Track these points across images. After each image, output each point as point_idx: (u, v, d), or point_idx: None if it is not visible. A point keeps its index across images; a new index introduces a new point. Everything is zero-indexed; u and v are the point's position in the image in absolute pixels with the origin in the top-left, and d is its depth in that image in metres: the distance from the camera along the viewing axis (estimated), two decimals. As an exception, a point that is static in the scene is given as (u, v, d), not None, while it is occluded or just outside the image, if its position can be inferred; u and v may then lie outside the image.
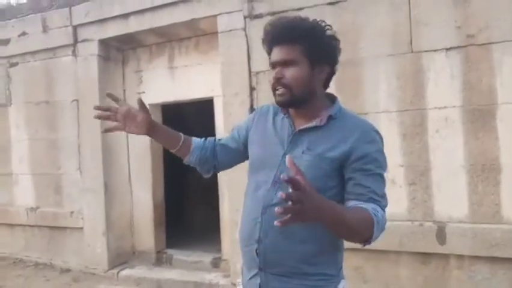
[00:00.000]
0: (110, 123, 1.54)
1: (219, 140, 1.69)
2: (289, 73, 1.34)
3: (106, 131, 1.56)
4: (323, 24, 1.37)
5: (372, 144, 1.33)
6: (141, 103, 1.51)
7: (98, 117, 1.55)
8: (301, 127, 1.39)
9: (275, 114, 1.51)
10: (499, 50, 3.00)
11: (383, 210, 1.28)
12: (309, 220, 1.00)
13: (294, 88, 1.34)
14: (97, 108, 1.54)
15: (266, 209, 1.35)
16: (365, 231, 1.21)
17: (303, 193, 0.94)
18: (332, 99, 1.46)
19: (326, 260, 1.37)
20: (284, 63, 1.34)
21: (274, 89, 1.38)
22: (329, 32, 1.37)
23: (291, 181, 0.92)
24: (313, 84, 1.37)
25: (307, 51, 1.33)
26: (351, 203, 1.27)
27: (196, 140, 1.64)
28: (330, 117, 1.38)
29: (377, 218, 1.22)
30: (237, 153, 1.65)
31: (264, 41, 1.43)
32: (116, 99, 1.54)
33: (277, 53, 1.36)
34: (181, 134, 1.61)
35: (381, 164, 1.33)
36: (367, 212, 1.22)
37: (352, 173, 1.30)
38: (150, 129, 1.53)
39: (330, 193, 1.30)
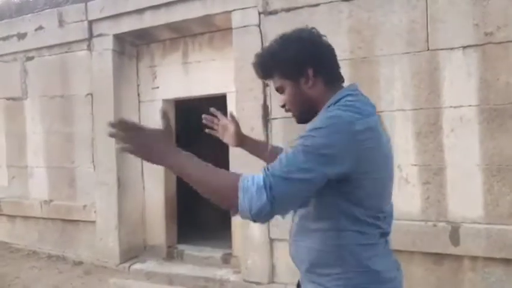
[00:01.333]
0: (212, 131, 1.84)
1: None
2: (285, 99, 1.38)
3: (208, 132, 1.85)
4: (291, 33, 1.34)
5: (309, 126, 1.17)
6: (232, 117, 1.75)
7: (205, 122, 1.82)
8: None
9: None
10: (517, 48, 2.95)
11: (268, 179, 1.05)
12: (141, 156, 1.18)
13: (293, 110, 1.39)
14: (204, 117, 1.81)
15: (293, 217, 1.39)
16: (222, 193, 1.11)
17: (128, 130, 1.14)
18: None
19: (332, 273, 1.24)
20: (278, 91, 1.41)
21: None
22: (297, 37, 1.33)
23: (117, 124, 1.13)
24: (307, 95, 1.33)
25: (283, 75, 1.35)
26: None
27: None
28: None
29: (244, 181, 1.07)
30: None
31: None
32: (215, 116, 1.79)
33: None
34: (269, 145, 1.80)
35: (305, 140, 1.11)
36: (232, 175, 1.13)
37: None
38: (240, 142, 1.77)
39: (318, 198, 1.21)
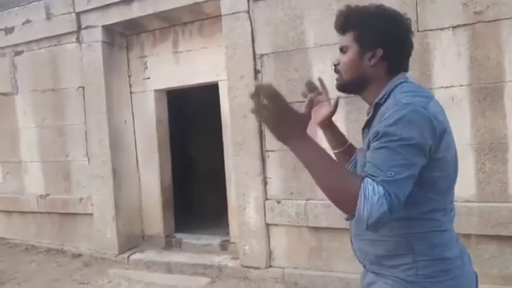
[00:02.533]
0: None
1: None
2: (342, 59, 1.36)
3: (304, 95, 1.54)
4: (388, 11, 1.34)
5: (386, 120, 1.14)
6: (337, 101, 1.52)
7: (303, 94, 1.54)
8: (364, 125, 1.39)
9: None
10: (506, 26, 2.96)
11: (382, 185, 1.05)
12: (271, 129, 1.15)
13: (343, 73, 1.36)
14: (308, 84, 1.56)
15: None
16: (343, 196, 1.09)
17: (272, 103, 1.11)
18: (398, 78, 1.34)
19: (402, 264, 1.24)
20: (340, 50, 1.38)
21: None
22: (388, 17, 1.33)
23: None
24: (364, 70, 1.32)
25: (357, 37, 1.32)
26: None
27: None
28: (377, 105, 1.29)
29: (365, 190, 1.04)
30: None
31: None
32: (312, 88, 1.53)
33: (338, 42, 1.39)
34: (348, 142, 1.61)
35: (392, 136, 1.11)
36: (356, 180, 1.08)
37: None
38: (326, 125, 1.57)
39: None
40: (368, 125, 1.35)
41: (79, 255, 4.89)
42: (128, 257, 4.61)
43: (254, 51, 3.80)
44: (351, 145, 1.61)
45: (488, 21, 3.01)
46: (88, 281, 4.15)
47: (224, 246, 4.52)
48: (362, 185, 1.05)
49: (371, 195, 1.03)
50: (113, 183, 4.66)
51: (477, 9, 3.04)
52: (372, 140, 1.15)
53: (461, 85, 3.11)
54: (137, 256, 4.62)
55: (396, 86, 1.27)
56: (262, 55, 3.77)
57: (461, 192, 3.09)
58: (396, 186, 1.06)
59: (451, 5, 3.10)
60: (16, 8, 5.19)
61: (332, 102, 1.54)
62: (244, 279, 3.89)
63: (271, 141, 3.71)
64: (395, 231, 1.21)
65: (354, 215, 1.06)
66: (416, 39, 3.33)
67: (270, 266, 3.87)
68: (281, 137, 1.15)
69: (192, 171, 6.28)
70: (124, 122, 4.90)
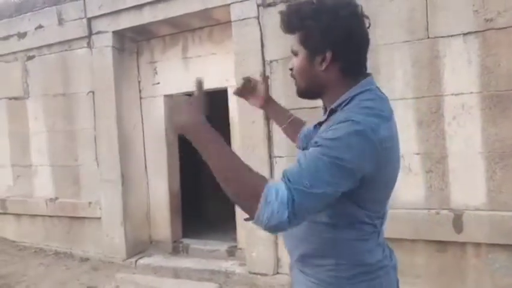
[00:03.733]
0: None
1: None
2: (294, 63, 1.28)
3: (236, 93, 1.75)
4: (332, 3, 1.18)
5: (331, 132, 1.07)
6: (265, 78, 1.73)
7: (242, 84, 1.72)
8: (313, 124, 1.35)
9: None
10: (518, 33, 2.94)
11: (290, 192, 0.98)
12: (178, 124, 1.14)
13: (297, 78, 1.28)
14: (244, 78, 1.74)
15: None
16: (245, 196, 1.02)
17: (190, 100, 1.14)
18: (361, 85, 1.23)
19: (324, 264, 1.23)
20: (292, 53, 1.28)
21: None
22: (334, 12, 1.16)
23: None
24: (316, 75, 1.22)
25: (303, 40, 1.22)
26: None
27: (305, 129, 1.57)
28: (332, 111, 1.20)
29: (268, 193, 0.98)
30: None
31: None
32: (248, 81, 1.71)
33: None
34: (292, 116, 1.73)
35: (328, 150, 1.03)
36: (262, 181, 1.02)
37: None
38: (266, 104, 1.73)
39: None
40: (319, 125, 1.28)
41: (87, 259, 4.91)
42: (136, 261, 4.62)
43: (263, 57, 3.80)
44: (295, 118, 1.72)
45: (499, 28, 2.99)
46: (95, 285, 4.16)
47: (231, 252, 4.51)
48: (266, 187, 0.99)
49: (273, 200, 0.97)
50: (121, 187, 4.68)
51: (488, 16, 3.02)
52: (312, 144, 1.09)
53: (472, 92, 3.08)
54: (144, 261, 4.62)
55: (357, 94, 1.17)
56: (271, 61, 3.77)
57: (471, 200, 3.08)
58: (306, 198, 0.99)
59: (462, 11, 3.08)
60: (29, 13, 5.27)
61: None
62: (251, 286, 3.87)
63: (280, 147, 3.71)
64: (323, 235, 1.21)
65: (252, 216, 1.00)
66: (426, 46, 3.36)
67: (278, 273, 3.85)
68: (190, 129, 1.14)
69: (200, 176, 6.28)
70: (133, 127, 4.93)
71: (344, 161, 1.02)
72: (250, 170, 1.05)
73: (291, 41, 1.26)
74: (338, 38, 1.16)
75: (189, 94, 1.17)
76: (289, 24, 1.23)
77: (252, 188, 1.01)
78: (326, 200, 1.04)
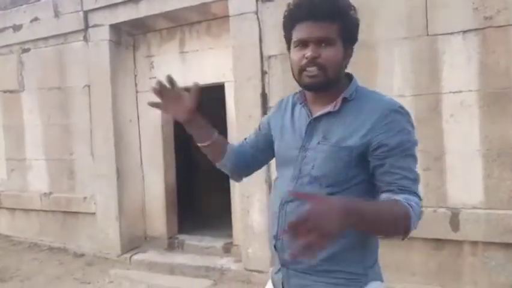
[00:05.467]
0: (156, 101, 1.45)
1: (246, 141, 1.62)
2: (326, 53, 1.21)
3: (151, 104, 1.47)
4: (350, 2, 1.27)
5: (392, 126, 1.18)
6: (195, 90, 1.41)
7: (153, 91, 1.43)
8: (316, 114, 1.30)
9: (294, 105, 1.41)
10: (518, 32, 2.92)
11: (417, 195, 1.17)
12: (338, 231, 0.92)
13: (329, 70, 1.22)
14: (157, 82, 1.42)
15: (284, 205, 1.28)
16: (400, 226, 1.11)
17: (317, 218, 0.88)
18: (350, 78, 1.34)
19: (349, 257, 1.25)
20: (319, 42, 1.21)
21: (303, 70, 1.24)
22: (354, 9, 1.27)
23: (295, 227, 0.87)
24: (342, 67, 1.28)
25: (343, 31, 1.22)
26: (383, 196, 1.18)
27: (233, 146, 1.57)
28: (345, 100, 1.26)
29: (413, 209, 1.11)
30: (268, 151, 1.54)
31: (290, 14, 1.28)
32: (171, 82, 1.41)
33: (311, 30, 1.21)
34: (215, 132, 1.51)
35: (408, 144, 1.19)
36: (401, 205, 1.11)
37: (377, 161, 1.20)
38: (192, 118, 1.44)
39: (355, 183, 1.22)
40: (324, 117, 1.28)
41: (81, 254, 4.88)
42: (131, 257, 4.59)
43: (262, 53, 3.77)
44: (220, 138, 1.52)
45: (499, 26, 2.98)
46: (89, 281, 4.13)
47: (227, 249, 4.49)
48: (407, 208, 1.10)
49: (417, 211, 1.14)
50: (117, 182, 4.64)
51: (487, 14, 3.01)
52: (382, 147, 1.18)
53: (470, 90, 3.07)
54: (139, 257, 4.60)
55: (357, 86, 1.31)
56: (270, 56, 3.74)
57: (468, 198, 3.08)
58: (419, 184, 1.20)
59: (461, 9, 3.07)
60: (24, 5, 5.21)
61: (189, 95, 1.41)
62: (247, 283, 3.85)
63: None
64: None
65: (407, 233, 1.13)
66: (425, 43, 3.34)
67: (273, 270, 3.83)
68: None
69: (195, 172, 6.26)
70: (130, 121, 4.89)
71: (417, 141, 1.24)
72: (390, 206, 1.13)
73: (318, 28, 1.21)
74: (357, 34, 1.29)
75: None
76: (332, 10, 1.20)
77: (403, 219, 1.11)
78: None
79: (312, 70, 1.22)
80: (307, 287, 1.28)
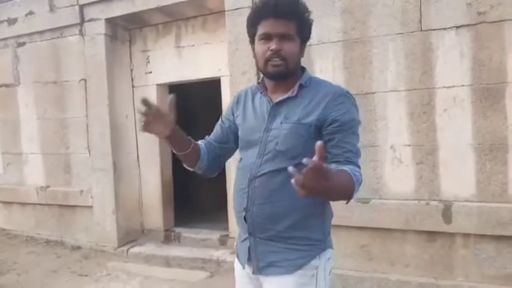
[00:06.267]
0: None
1: (211, 138, 1.70)
2: (287, 47, 1.42)
3: (143, 130, 1.45)
4: (306, 5, 1.48)
5: (342, 106, 1.42)
6: (172, 102, 1.46)
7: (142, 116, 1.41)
8: (277, 100, 1.49)
9: (254, 95, 1.61)
10: (510, 27, 2.95)
11: (359, 166, 1.39)
12: (316, 196, 1.10)
13: (289, 61, 1.43)
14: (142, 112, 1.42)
15: (253, 180, 1.46)
16: (349, 192, 1.29)
17: (318, 175, 1.03)
18: (303, 70, 1.55)
19: (312, 224, 1.45)
20: (281, 37, 1.41)
21: (268, 60, 1.43)
22: (309, 14, 1.48)
23: (315, 167, 1.02)
24: (299, 60, 1.50)
25: (300, 29, 1.44)
26: (332, 166, 1.30)
27: (203, 147, 1.64)
28: (301, 86, 1.48)
29: (356, 177, 1.30)
30: (235, 139, 1.66)
31: (256, 11, 1.48)
32: (149, 105, 1.39)
33: (274, 26, 1.41)
34: (193, 141, 1.58)
35: (353, 123, 1.43)
36: (348, 174, 1.29)
37: (329, 135, 1.40)
38: (173, 133, 1.48)
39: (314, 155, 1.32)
40: (284, 102, 1.48)
41: (78, 247, 4.91)
42: (128, 250, 4.63)
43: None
44: (197, 144, 1.60)
45: (492, 22, 3.01)
46: (86, 273, 4.16)
47: (223, 241, 4.53)
48: (353, 176, 1.29)
49: (360, 179, 1.33)
50: (113, 176, 4.67)
51: (481, 10, 3.04)
52: (333, 124, 1.39)
53: (463, 85, 3.11)
54: (136, 249, 4.63)
55: (309, 75, 1.54)
56: (265, 51, 3.76)
57: (461, 191, 3.12)
58: (360, 157, 1.42)
59: (455, 4, 3.10)
60: (20, -2, 5.19)
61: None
62: (242, 275, 3.89)
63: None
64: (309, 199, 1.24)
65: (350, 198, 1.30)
66: (418, 39, 3.37)
67: (269, 262, 3.87)
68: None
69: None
70: (126, 116, 4.90)
71: (359, 121, 1.48)
72: (344, 175, 1.28)
73: (281, 25, 1.41)
74: (310, 32, 1.51)
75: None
76: (293, 11, 1.42)
77: (351, 185, 1.29)
78: None
79: (276, 61, 1.42)
80: (274, 253, 1.45)
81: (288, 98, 1.47)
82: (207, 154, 1.64)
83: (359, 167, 1.38)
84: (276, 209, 1.42)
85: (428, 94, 3.21)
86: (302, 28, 1.45)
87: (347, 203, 1.33)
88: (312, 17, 1.50)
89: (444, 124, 3.17)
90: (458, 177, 3.15)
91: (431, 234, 3.23)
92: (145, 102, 1.39)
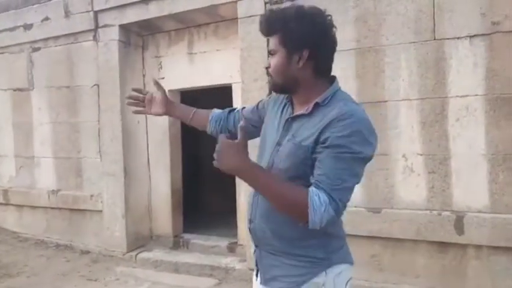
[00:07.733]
0: (138, 108, 1.84)
1: (243, 108, 1.85)
2: (272, 62, 1.41)
3: (135, 112, 1.88)
4: (310, 10, 1.37)
5: (342, 128, 1.25)
6: (157, 84, 1.77)
7: (128, 104, 1.85)
8: (293, 115, 1.44)
9: (286, 103, 1.53)
10: (525, 37, 2.93)
11: (331, 197, 1.22)
12: (226, 170, 1.24)
13: (274, 76, 1.42)
14: (128, 97, 1.85)
15: (257, 193, 1.44)
16: (296, 210, 1.24)
17: (223, 146, 1.22)
18: (331, 80, 1.44)
19: (313, 244, 1.38)
20: (270, 54, 1.42)
21: None
22: (312, 18, 1.35)
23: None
24: (293, 72, 1.37)
25: (283, 40, 1.36)
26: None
27: (216, 113, 1.83)
28: (317, 105, 1.36)
29: (313, 202, 1.20)
30: (256, 129, 1.70)
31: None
32: (140, 91, 1.83)
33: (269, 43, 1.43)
34: (194, 108, 1.84)
35: (344, 149, 1.24)
36: (302, 192, 1.23)
37: (315, 154, 1.30)
38: (168, 107, 1.79)
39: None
40: (298, 118, 1.41)
41: (87, 251, 4.93)
42: (136, 255, 4.63)
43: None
44: (199, 109, 1.84)
45: (506, 32, 2.99)
46: (95, 278, 4.17)
47: (232, 248, 4.52)
48: (308, 197, 1.21)
49: (318, 205, 1.20)
50: (124, 181, 4.69)
51: (495, 19, 3.02)
52: (322, 145, 1.27)
53: (477, 95, 3.08)
54: (145, 255, 4.64)
55: (336, 91, 1.39)
56: (276, 59, 3.76)
57: (473, 202, 3.08)
58: (342, 193, 1.24)
59: (469, 14, 3.08)
60: (36, 5, 5.27)
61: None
62: (251, 282, 3.86)
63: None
64: None
65: (307, 223, 1.22)
66: (432, 48, 3.35)
67: (277, 270, 3.85)
68: (233, 170, 1.31)
69: (201, 172, 6.29)
70: (137, 122, 4.93)
71: (360, 153, 1.26)
72: (293, 188, 1.27)
73: (269, 42, 1.40)
74: (315, 40, 1.35)
75: (232, 138, 1.28)
76: (271, 26, 1.39)
77: (300, 204, 1.22)
78: (354, 187, 1.29)
79: (269, 78, 1.48)
80: (277, 267, 1.43)
81: (302, 115, 1.39)
82: (215, 122, 1.80)
83: (331, 198, 1.22)
84: (274, 226, 1.40)
85: (440, 103, 3.19)
86: (287, 38, 1.35)
87: (303, 226, 1.25)
88: None
89: (457, 134, 3.14)
90: (471, 188, 3.11)
91: (443, 245, 3.19)
92: (137, 89, 1.82)
